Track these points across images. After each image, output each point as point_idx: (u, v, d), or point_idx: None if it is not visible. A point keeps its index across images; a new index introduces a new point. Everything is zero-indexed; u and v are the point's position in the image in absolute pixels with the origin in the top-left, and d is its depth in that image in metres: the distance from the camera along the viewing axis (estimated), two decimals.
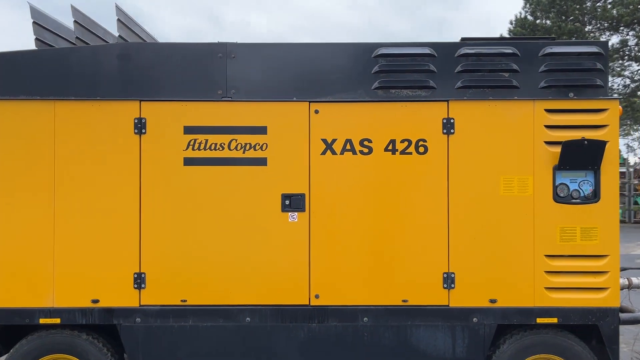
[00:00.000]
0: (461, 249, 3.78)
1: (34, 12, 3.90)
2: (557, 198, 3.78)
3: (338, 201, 3.80)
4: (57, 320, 3.79)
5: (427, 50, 3.83)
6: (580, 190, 3.79)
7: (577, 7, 28.14)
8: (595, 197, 3.78)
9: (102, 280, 3.78)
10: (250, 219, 3.79)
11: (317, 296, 3.78)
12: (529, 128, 3.78)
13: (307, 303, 3.79)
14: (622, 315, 3.80)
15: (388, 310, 3.78)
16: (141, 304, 3.79)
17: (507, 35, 27.45)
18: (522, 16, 29.28)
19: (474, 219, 3.79)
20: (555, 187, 3.78)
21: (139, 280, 3.78)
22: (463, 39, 3.97)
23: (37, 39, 3.90)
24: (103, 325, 3.82)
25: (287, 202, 3.78)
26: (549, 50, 3.82)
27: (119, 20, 3.94)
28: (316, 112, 3.80)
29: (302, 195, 3.78)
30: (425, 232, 3.78)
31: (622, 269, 4.28)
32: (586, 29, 27.99)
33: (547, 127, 3.78)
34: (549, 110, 3.79)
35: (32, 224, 3.78)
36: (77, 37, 3.91)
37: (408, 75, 3.83)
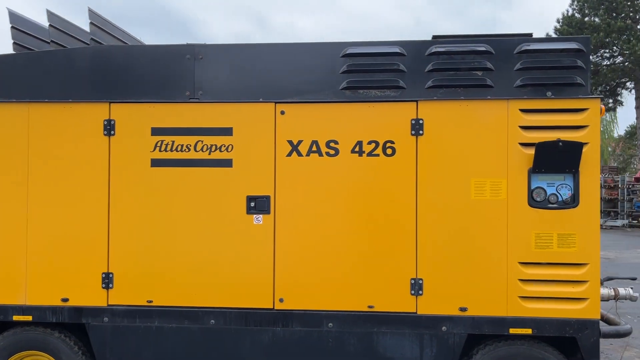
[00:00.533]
0: (430, 254, 3.64)
1: (13, 16, 4.01)
2: (533, 202, 3.59)
3: (304, 204, 3.73)
4: (29, 318, 3.87)
5: (396, 49, 3.72)
6: (558, 195, 3.59)
7: (629, 3, 27.02)
8: (574, 202, 3.57)
9: (72, 279, 3.84)
10: (215, 221, 3.77)
11: (281, 300, 3.72)
12: (502, 129, 3.61)
13: (272, 307, 3.73)
14: (603, 328, 3.57)
15: (353, 316, 3.68)
16: (109, 303, 3.83)
17: (554, 35, 26.59)
18: (570, 14, 28.34)
19: (443, 224, 3.64)
20: (530, 191, 3.60)
21: (107, 280, 3.82)
22: (434, 37, 3.84)
23: (14, 43, 4.01)
24: (73, 324, 3.88)
25: (252, 204, 3.74)
26: (525, 47, 3.64)
27: (91, 23, 4.00)
28: (282, 113, 3.74)
29: (267, 198, 3.74)
30: (392, 237, 3.67)
31: (609, 279, 4.05)
32: (638, 27, 26.85)
33: (522, 127, 3.60)
34: (524, 110, 3.61)
35: (6, 224, 3.88)
36: (52, 40, 3.99)
37: (377, 75, 3.72)
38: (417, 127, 3.66)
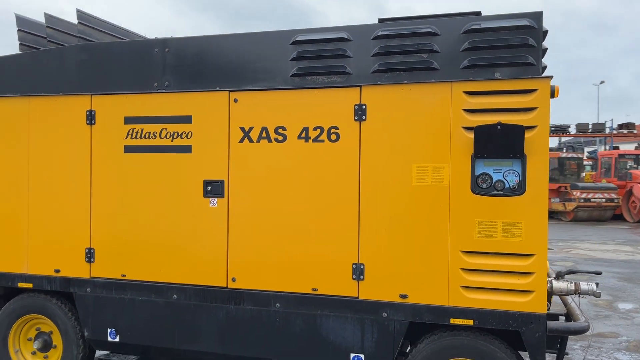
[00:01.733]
0: (372, 240, 3.63)
1: (20, 20, 4.54)
2: (477, 189, 3.44)
3: (254, 188, 3.88)
4: (30, 285, 4.42)
5: (342, 35, 3.71)
6: (505, 181, 3.41)
7: None
8: (520, 189, 3.37)
9: (62, 253, 4.32)
10: (177, 204, 4.03)
11: (233, 279, 3.92)
12: (445, 113, 3.49)
13: (225, 285, 3.94)
14: (552, 324, 3.36)
15: (298, 298, 3.78)
16: (91, 275, 4.26)
17: None
18: None
19: (385, 210, 3.61)
20: (475, 177, 3.45)
21: (89, 255, 4.25)
22: (380, 20, 3.77)
23: (20, 44, 4.54)
24: (64, 292, 4.37)
25: (209, 188, 3.96)
26: (472, 26, 3.47)
27: (79, 23, 4.42)
28: (235, 100, 3.90)
29: (222, 182, 3.93)
30: (335, 221, 3.70)
31: (570, 272, 3.78)
32: None
33: (467, 111, 3.45)
34: (468, 93, 3.45)
35: (11, 203, 4.45)
36: (48, 40, 4.47)
37: (324, 61, 3.75)
38: (360, 113, 3.65)
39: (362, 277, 3.65)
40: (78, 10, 4.42)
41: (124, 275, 4.17)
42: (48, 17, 4.47)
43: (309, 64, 3.77)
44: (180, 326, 4.06)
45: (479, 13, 3.58)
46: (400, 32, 3.59)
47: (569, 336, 3.74)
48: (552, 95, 3.37)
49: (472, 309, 3.45)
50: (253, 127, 3.87)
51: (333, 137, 3.71)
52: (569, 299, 3.97)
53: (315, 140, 3.74)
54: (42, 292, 4.46)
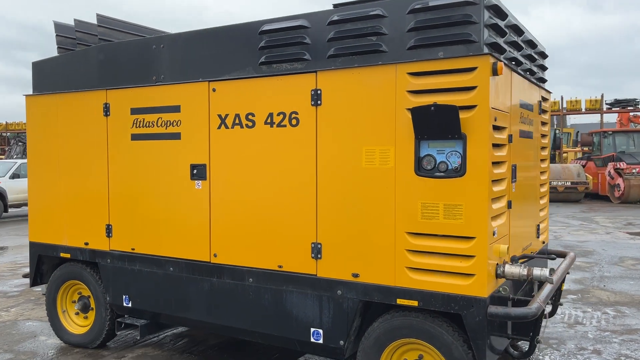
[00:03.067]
0: (328, 220, 3.77)
1: (57, 26, 5.22)
2: (421, 171, 3.43)
3: (230, 171, 4.17)
4: (68, 255, 5.15)
5: (302, 22, 3.84)
6: (448, 163, 3.36)
7: None
8: (461, 170, 3.30)
9: (90, 228, 4.97)
10: (172, 186, 4.46)
11: (215, 255, 4.27)
12: (391, 95, 3.50)
13: (209, 260, 4.30)
14: (492, 309, 3.27)
15: (267, 274, 4.04)
16: (110, 248, 4.86)
17: None
18: None
19: (338, 191, 3.72)
20: (420, 159, 3.43)
21: (109, 230, 4.85)
22: (335, 5, 3.82)
23: (58, 47, 5.23)
24: (93, 262, 5.03)
25: (195, 171, 4.33)
26: (416, 5, 3.43)
27: (99, 25, 4.98)
28: (213, 90, 4.21)
29: (204, 166, 4.28)
30: (297, 203, 3.88)
31: (525, 257, 3.61)
32: None
33: (411, 92, 3.44)
34: (412, 74, 3.43)
35: (54, 186, 5.19)
36: (77, 42, 5.10)
37: (286, 49, 3.91)
38: (315, 98, 3.77)
39: (319, 255, 3.81)
40: (98, 15, 4.99)
41: (133, 249, 4.71)
42: (77, 22, 5.10)
43: (274, 52, 3.95)
44: (175, 296, 4.52)
45: None
46: (350, 17, 3.64)
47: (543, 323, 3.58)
48: (495, 73, 3.24)
49: (416, 290, 3.47)
50: (228, 114, 4.15)
51: (294, 122, 3.87)
52: (546, 285, 3.79)
53: (279, 125, 3.93)
54: (78, 261, 5.17)
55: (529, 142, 4.32)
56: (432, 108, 3.24)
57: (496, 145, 3.46)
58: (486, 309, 3.26)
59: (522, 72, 4.07)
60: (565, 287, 7.47)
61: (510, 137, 3.69)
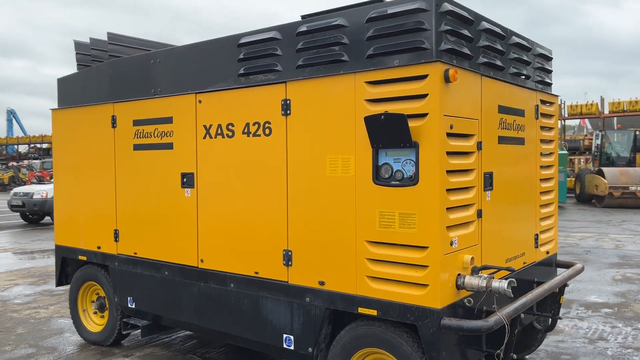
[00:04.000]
0: (298, 228, 3.82)
1: (77, 45, 5.62)
2: (378, 179, 3.41)
3: (214, 179, 4.32)
4: (85, 258, 5.50)
5: (273, 34, 3.93)
6: (404, 171, 3.32)
7: None
8: (415, 179, 3.26)
9: (101, 233, 5.30)
10: (166, 193, 4.68)
11: (202, 260, 4.43)
12: (350, 104, 3.51)
13: (197, 265, 4.47)
14: (444, 320, 3.19)
15: (245, 280, 4.14)
16: (117, 252, 5.15)
17: None
18: None
19: (306, 200, 3.77)
20: (378, 168, 3.42)
21: (116, 235, 5.15)
22: (303, 16, 3.87)
23: (78, 64, 5.62)
24: (104, 265, 5.35)
25: (184, 179, 4.52)
26: (373, 13, 3.43)
27: (109, 42, 5.31)
28: (199, 101, 4.38)
29: (192, 174, 4.46)
30: (270, 210, 3.96)
31: (485, 268, 3.49)
32: None
33: (368, 101, 3.44)
34: (369, 82, 3.43)
35: (73, 193, 5.57)
36: (92, 59, 5.46)
37: (260, 61, 4.01)
38: (285, 108, 3.84)
39: (290, 263, 3.87)
40: (108, 33, 5.32)
41: (135, 253, 4.98)
42: (92, 40, 5.47)
43: (251, 64, 4.07)
44: (170, 298, 4.72)
45: (377, 0, 3.51)
46: (315, 27, 3.69)
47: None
48: (448, 80, 3.18)
49: (375, 299, 3.45)
50: (212, 125, 4.31)
51: (267, 131, 3.97)
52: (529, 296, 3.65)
53: (254, 134, 4.04)
54: (93, 264, 5.52)
55: (518, 149, 4.17)
56: (382, 117, 3.22)
57: (457, 153, 3.39)
58: (440, 321, 3.19)
59: (502, 77, 3.94)
60: (603, 300, 7.07)
61: (479, 144, 3.59)
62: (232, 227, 4.22)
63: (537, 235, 4.53)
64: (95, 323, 5.71)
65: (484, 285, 3.28)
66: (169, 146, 4.63)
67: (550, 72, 4.82)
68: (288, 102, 3.83)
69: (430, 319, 3.22)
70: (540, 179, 4.61)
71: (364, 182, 3.47)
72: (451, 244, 3.29)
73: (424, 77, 3.21)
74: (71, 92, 5.60)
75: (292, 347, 3.91)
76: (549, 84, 4.80)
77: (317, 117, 3.69)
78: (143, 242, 4.91)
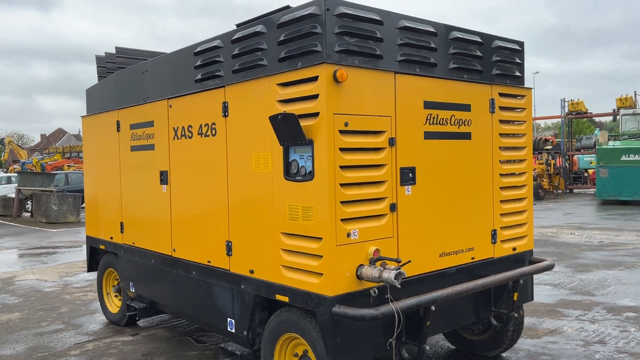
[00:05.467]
0: (235, 220, 4.15)
1: (97, 59, 6.35)
2: (288, 175, 3.65)
3: (180, 177, 4.77)
4: (103, 247, 6.23)
5: (217, 43, 4.28)
6: (306, 167, 3.54)
7: None
8: (312, 174, 3.46)
9: (112, 225, 5.98)
10: (151, 188, 5.21)
11: (174, 250, 4.90)
12: (268, 104, 3.77)
13: (171, 254, 4.95)
14: (335, 308, 3.36)
15: (201, 268, 4.54)
16: (122, 242, 5.79)
17: None
18: None
19: (240, 194, 4.09)
20: (288, 164, 3.66)
21: (121, 227, 5.79)
22: (237, 25, 4.16)
23: (98, 76, 6.35)
24: (115, 253, 6.02)
25: (162, 177, 5.02)
26: (282, 19, 3.66)
27: (117, 55, 5.95)
28: (170, 106, 4.85)
29: (166, 172, 4.94)
30: (217, 204, 4.33)
31: (380, 259, 3.57)
32: None
33: (279, 102, 3.68)
34: (279, 84, 3.67)
35: (95, 189, 6.33)
36: (107, 71, 6.15)
37: (209, 67, 4.39)
38: (225, 110, 4.19)
39: (230, 253, 4.21)
40: (116, 47, 5.98)
41: (133, 243, 5.58)
42: (107, 54, 6.16)
43: (203, 70, 4.46)
44: (156, 284, 5.25)
45: (287, 7, 3.72)
46: (244, 35, 4.00)
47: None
48: (337, 81, 3.34)
49: (287, 287, 3.68)
50: (178, 127, 4.76)
51: (213, 132, 4.34)
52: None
53: (205, 135, 4.43)
54: (110, 252, 6.22)
55: (459, 144, 4.16)
56: (280, 117, 3.46)
57: (360, 149, 3.52)
58: (331, 308, 3.37)
59: (434, 73, 3.97)
60: (635, 304, 6.65)
61: (391, 140, 3.69)
62: (192, 219, 4.64)
63: (495, 231, 4.47)
64: (115, 305, 6.42)
65: (377, 275, 3.39)
66: (152, 147, 5.16)
67: (519, 64, 4.71)
68: (226, 104, 4.17)
69: (324, 306, 3.40)
70: (501, 174, 4.53)
71: (278, 177, 3.72)
72: (348, 236, 3.45)
73: (315, 78, 3.40)
74: (93, 101, 6.35)
75: (233, 330, 4.25)
76: (517, 77, 4.69)
77: (246, 118, 3.99)
78: (138, 234, 5.49)
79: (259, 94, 3.86)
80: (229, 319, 4.29)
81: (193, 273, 4.67)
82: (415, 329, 3.76)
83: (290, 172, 3.64)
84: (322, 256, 3.42)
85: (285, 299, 3.70)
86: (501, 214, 4.54)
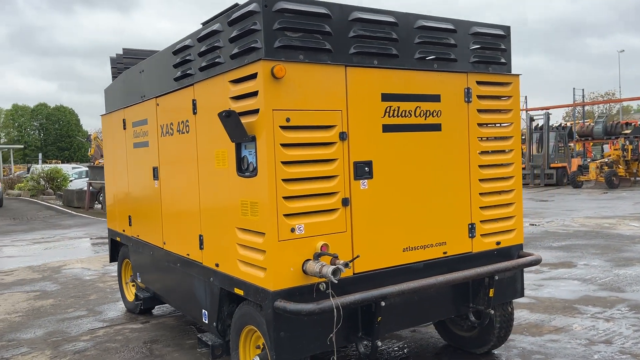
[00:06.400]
0: (205, 215, 4.27)
1: (112, 60, 6.67)
2: (240, 171, 3.71)
3: (166, 172, 4.95)
4: (119, 239, 6.57)
5: (188, 42, 4.40)
6: (253, 163, 3.58)
7: None
8: (256, 170, 3.51)
9: (123, 218, 6.30)
10: (147, 184, 5.44)
11: (164, 243, 5.10)
12: (224, 101, 3.84)
13: (162, 247, 5.15)
14: (276, 302, 3.39)
15: (183, 260, 4.71)
16: (131, 235, 6.09)
17: None
18: None
19: (207, 190, 4.20)
20: (240, 160, 3.72)
21: (130, 220, 6.09)
22: (202, 23, 4.23)
23: (112, 77, 6.67)
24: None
25: (154, 173, 5.22)
26: (234, 16, 3.71)
27: (124, 57, 6.22)
28: (157, 105, 5.04)
29: (157, 168, 5.14)
30: (192, 200, 4.46)
31: (321, 255, 3.53)
32: None
33: (231, 99, 3.74)
34: (231, 82, 3.73)
35: (112, 185, 6.69)
36: (117, 72, 6.45)
37: (183, 66, 4.52)
38: (194, 107, 4.30)
39: (202, 246, 4.33)
40: (123, 48, 6.25)
41: (138, 236, 5.85)
42: (117, 55, 6.46)
43: (180, 69, 4.59)
44: (154, 275, 5.49)
45: (235, 5, 3.75)
46: (205, 33, 4.08)
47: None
48: (275, 77, 3.35)
49: (242, 281, 3.76)
50: (164, 125, 4.94)
51: (187, 129, 4.47)
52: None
53: (181, 132, 4.57)
54: (124, 244, 6.56)
55: (426, 136, 4.05)
56: (224, 114, 3.52)
57: (307, 145, 3.52)
58: (272, 302, 3.41)
59: (395, 65, 3.88)
60: None
61: (342, 134, 3.65)
62: (176, 213, 4.81)
63: (472, 224, 4.32)
64: (132, 294, 6.75)
65: (317, 271, 3.39)
66: (147, 144, 5.38)
67: (504, 50, 4.50)
68: (195, 102, 4.28)
69: (268, 300, 3.45)
70: (480, 166, 4.37)
71: (233, 173, 3.79)
72: (292, 231, 3.46)
73: (255, 75, 3.43)
74: (108, 101, 6.69)
75: (207, 322, 4.38)
76: (502, 64, 4.49)
77: (209, 115, 4.08)
78: (141, 227, 5.76)
79: (217, 91, 3.93)
80: (203, 311, 4.43)
81: (178, 265, 4.85)
82: (368, 325, 3.73)
83: (242, 168, 3.70)
84: (264, 251, 3.46)
85: (241, 292, 3.78)
86: (481, 207, 4.37)
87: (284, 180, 3.44)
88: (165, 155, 4.96)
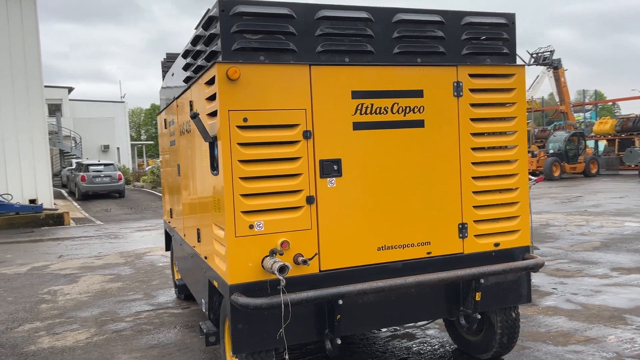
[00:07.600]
0: (199, 210, 4.52)
1: (162, 64, 7.18)
2: (212, 169, 3.89)
3: (183, 169, 5.28)
4: (167, 230, 7.08)
5: (189, 45, 4.65)
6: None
7: None
8: (217, 168, 3.67)
9: (167, 212, 6.78)
10: (175, 180, 5.81)
11: (184, 235, 5.44)
12: (203, 103, 4.04)
13: (184, 238, 5.50)
14: (232, 297, 3.53)
15: (193, 252, 5.00)
16: (171, 226, 6.55)
17: None
18: None
19: (200, 187, 4.43)
20: (213, 159, 3.90)
21: (170, 212, 6.54)
22: (196, 28, 4.43)
23: (163, 80, 7.18)
24: None
25: (178, 169, 5.58)
26: (203, 22, 3.88)
27: (167, 60, 6.65)
28: (177, 106, 5.37)
29: (179, 165, 5.50)
30: (193, 194, 4.73)
31: (275, 252, 3.59)
32: None
33: (207, 99, 3.92)
34: (205, 84, 3.90)
35: (163, 181, 7.19)
36: (164, 75, 6.92)
37: (187, 69, 4.78)
38: (191, 107, 4.55)
39: (199, 239, 4.59)
40: (167, 53, 6.69)
41: (174, 227, 6.28)
42: (164, 59, 6.94)
43: (187, 71, 4.87)
44: (182, 264, 5.88)
45: (208, 10, 3.90)
46: (195, 36, 4.30)
47: None
48: (230, 79, 3.48)
49: (216, 274, 3.95)
50: (182, 124, 5.26)
51: (189, 128, 4.74)
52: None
53: (187, 131, 4.85)
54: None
55: (405, 132, 3.94)
56: (191, 115, 3.72)
57: (265, 144, 3.61)
58: (229, 296, 3.55)
59: (368, 61, 3.83)
60: None
61: (306, 133, 3.69)
62: (188, 207, 5.13)
63: (464, 224, 4.13)
64: None
65: (269, 267, 3.48)
66: (174, 142, 5.76)
67: (506, 40, 4.24)
68: (191, 103, 4.53)
69: (227, 293, 3.61)
70: (474, 163, 4.16)
71: (208, 171, 3.98)
72: (251, 228, 3.58)
73: (214, 78, 3.58)
74: (160, 102, 7.22)
75: (205, 311, 4.64)
76: (504, 54, 4.23)
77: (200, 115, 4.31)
78: (174, 220, 6.18)
79: (200, 94, 4.14)
80: (202, 300, 4.70)
81: (191, 257, 5.16)
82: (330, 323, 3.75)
83: (214, 167, 3.87)
84: (224, 246, 3.62)
85: (216, 284, 3.97)
86: (475, 206, 4.17)
87: (241, 178, 3.56)
88: (182, 153, 5.29)
